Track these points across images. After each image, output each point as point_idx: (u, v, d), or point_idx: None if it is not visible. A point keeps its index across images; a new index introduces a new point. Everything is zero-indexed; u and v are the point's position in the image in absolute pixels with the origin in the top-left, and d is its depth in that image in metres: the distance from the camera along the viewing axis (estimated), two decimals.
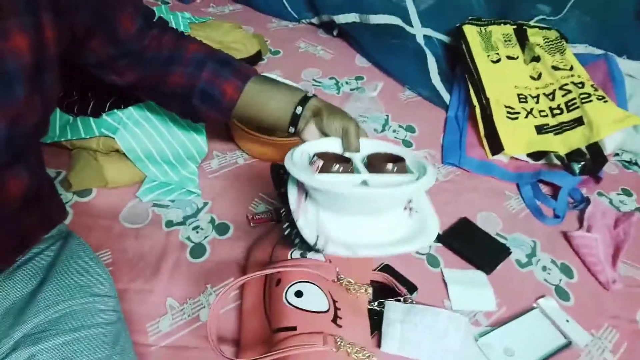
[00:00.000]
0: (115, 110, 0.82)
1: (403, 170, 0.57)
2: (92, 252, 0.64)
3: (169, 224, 0.80)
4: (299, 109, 0.66)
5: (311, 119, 0.66)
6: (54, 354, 0.49)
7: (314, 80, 1.23)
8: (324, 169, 0.55)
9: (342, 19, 1.36)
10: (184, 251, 0.76)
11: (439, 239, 0.87)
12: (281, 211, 0.58)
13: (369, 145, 0.62)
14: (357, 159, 0.59)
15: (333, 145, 0.62)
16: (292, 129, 0.67)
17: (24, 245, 0.58)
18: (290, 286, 0.60)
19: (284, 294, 0.59)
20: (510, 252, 0.86)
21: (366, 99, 1.21)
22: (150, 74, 0.68)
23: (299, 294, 0.59)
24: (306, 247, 0.54)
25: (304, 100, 0.66)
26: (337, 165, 0.55)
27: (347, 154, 0.61)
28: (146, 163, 0.83)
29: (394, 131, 1.12)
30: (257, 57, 1.18)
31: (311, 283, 0.61)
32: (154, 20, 0.69)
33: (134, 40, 0.65)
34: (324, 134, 0.65)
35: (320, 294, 0.60)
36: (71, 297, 0.55)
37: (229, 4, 1.53)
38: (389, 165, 0.57)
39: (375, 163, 0.58)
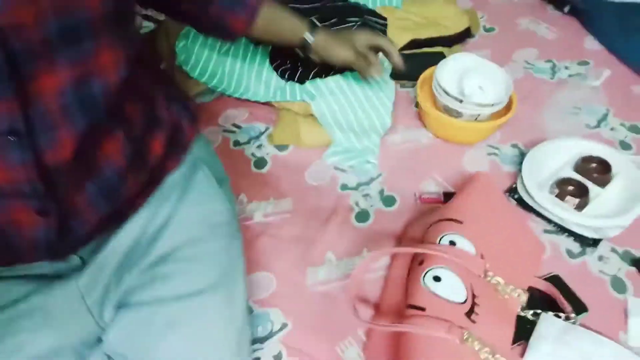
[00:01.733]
0: (317, 79, 0.92)
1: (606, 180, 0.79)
2: (216, 184, 0.65)
3: (344, 187, 0.87)
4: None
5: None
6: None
7: (526, 62, 1.13)
8: (579, 206, 0.77)
9: None
10: (350, 214, 0.83)
11: (636, 263, 0.74)
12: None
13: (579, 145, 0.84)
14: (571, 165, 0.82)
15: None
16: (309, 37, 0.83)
17: (155, 184, 0.60)
18: (431, 269, 0.61)
19: (422, 275, 0.61)
20: None
21: (586, 88, 1.06)
22: None
23: (437, 278, 0.60)
24: (585, 242, 0.76)
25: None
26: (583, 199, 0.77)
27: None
28: (335, 129, 0.91)
29: (612, 129, 0.96)
30: (465, 34, 1.14)
31: (453, 272, 0.60)
32: None
33: None
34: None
35: (459, 284, 0.59)
36: (193, 227, 0.59)
37: None
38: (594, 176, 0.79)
39: (584, 169, 0.81)
